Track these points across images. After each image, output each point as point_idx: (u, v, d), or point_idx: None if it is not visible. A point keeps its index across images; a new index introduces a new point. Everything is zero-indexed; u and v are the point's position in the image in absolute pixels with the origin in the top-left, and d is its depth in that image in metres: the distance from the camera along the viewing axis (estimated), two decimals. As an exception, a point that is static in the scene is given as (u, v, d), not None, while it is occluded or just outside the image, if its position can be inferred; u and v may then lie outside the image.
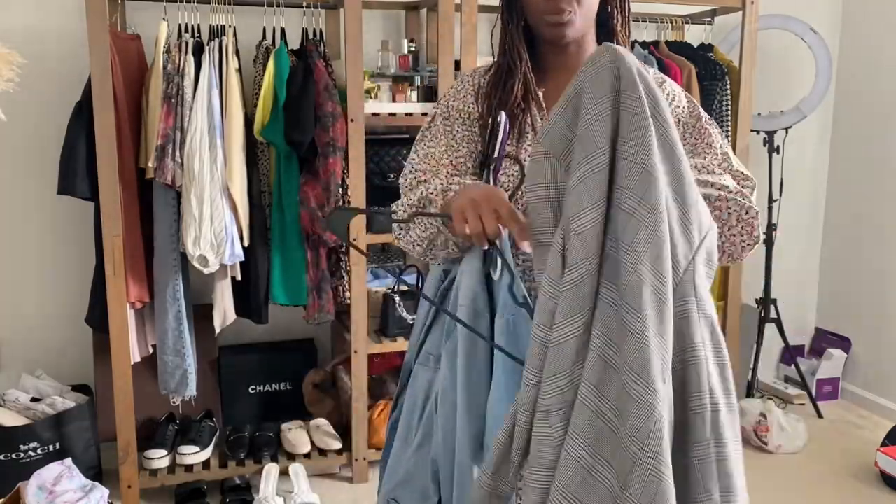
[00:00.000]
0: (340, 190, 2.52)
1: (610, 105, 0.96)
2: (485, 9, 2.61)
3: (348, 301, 2.62)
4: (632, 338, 0.93)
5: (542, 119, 1.27)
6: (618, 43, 1.29)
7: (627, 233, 0.94)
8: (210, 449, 2.64)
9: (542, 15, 1.22)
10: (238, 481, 2.59)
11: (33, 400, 2.54)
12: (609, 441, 0.94)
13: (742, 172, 1.24)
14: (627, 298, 0.93)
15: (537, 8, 1.23)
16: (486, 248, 1.14)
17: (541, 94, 1.29)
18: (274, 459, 2.63)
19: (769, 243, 3.34)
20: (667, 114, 0.98)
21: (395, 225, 1.28)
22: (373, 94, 2.65)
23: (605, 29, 1.31)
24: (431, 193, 1.23)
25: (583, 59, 1.27)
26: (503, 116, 1.24)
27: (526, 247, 1.04)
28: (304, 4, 2.58)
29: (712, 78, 2.90)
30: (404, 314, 2.69)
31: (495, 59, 1.33)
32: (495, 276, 1.17)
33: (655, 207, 0.94)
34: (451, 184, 1.23)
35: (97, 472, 2.59)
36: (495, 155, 1.25)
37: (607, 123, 0.96)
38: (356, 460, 2.69)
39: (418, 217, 1.23)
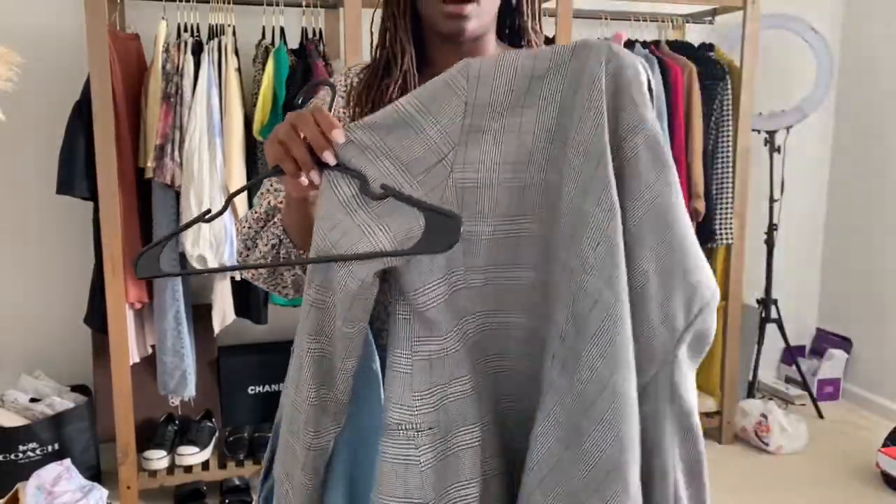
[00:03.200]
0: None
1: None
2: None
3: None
4: (591, 455, 0.80)
5: None
6: (529, 44, 1.14)
7: (588, 327, 0.79)
8: (209, 449, 2.63)
9: (439, 4, 1.04)
10: (237, 482, 2.59)
11: (32, 400, 2.53)
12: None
13: None
14: (591, 412, 0.80)
15: None
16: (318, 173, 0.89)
17: None
18: (273, 460, 2.62)
19: (770, 243, 3.33)
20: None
21: (239, 245, 1.12)
22: (372, 94, 2.64)
23: (511, 27, 1.15)
24: (280, 202, 1.07)
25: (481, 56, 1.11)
26: None
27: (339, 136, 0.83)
28: (304, 4, 2.57)
29: (713, 78, 2.90)
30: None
31: (372, 56, 1.14)
32: None
33: (614, 291, 0.78)
34: None
35: (96, 472, 2.58)
36: None
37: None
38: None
39: (264, 231, 1.08)
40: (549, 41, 2.88)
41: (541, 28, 1.14)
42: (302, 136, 0.86)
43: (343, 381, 0.86)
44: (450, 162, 0.82)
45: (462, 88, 0.82)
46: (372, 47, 1.14)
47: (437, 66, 1.11)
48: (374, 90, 1.10)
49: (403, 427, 0.86)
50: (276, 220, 1.09)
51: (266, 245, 1.08)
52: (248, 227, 1.11)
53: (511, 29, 1.16)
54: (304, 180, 0.87)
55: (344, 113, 1.13)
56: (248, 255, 1.12)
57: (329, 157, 0.83)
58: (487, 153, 0.82)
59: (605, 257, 0.78)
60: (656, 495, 0.85)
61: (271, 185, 1.15)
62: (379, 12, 1.13)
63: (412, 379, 0.85)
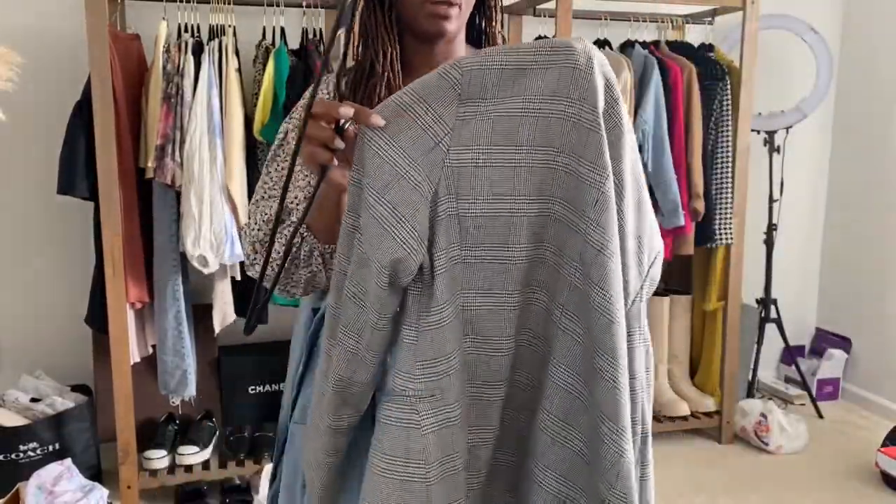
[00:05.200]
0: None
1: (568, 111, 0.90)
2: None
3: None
4: (603, 382, 0.92)
5: None
6: (491, 42, 1.20)
7: (595, 267, 0.90)
8: (210, 449, 2.64)
9: (424, 5, 1.07)
10: (238, 482, 2.59)
11: (33, 400, 2.54)
12: (582, 472, 0.96)
13: None
14: (600, 342, 0.91)
15: None
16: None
17: None
18: (274, 460, 2.63)
19: (769, 243, 3.33)
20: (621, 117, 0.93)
21: (247, 247, 1.12)
22: (373, 94, 2.65)
23: (479, 31, 1.21)
24: (291, 203, 1.09)
25: (452, 58, 1.13)
26: None
27: (378, 120, 0.88)
28: (304, 4, 2.57)
29: (713, 78, 2.90)
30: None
31: (355, 58, 1.17)
32: None
33: (614, 241, 0.91)
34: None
35: (97, 472, 2.59)
36: None
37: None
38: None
39: (277, 232, 1.05)
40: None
41: (503, 25, 1.22)
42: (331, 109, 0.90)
43: (368, 371, 0.94)
44: (446, 145, 0.89)
45: (455, 79, 0.89)
46: (354, 48, 1.17)
47: (413, 67, 1.15)
48: (361, 90, 1.13)
49: (407, 393, 0.92)
50: (294, 219, 1.09)
51: (283, 246, 1.07)
52: (258, 230, 1.11)
53: (477, 32, 1.22)
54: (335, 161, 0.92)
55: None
56: (256, 258, 1.11)
57: (377, 121, 0.88)
58: (480, 136, 0.90)
59: (603, 212, 0.89)
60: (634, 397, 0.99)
61: (270, 191, 1.15)
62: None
63: (416, 349, 0.92)
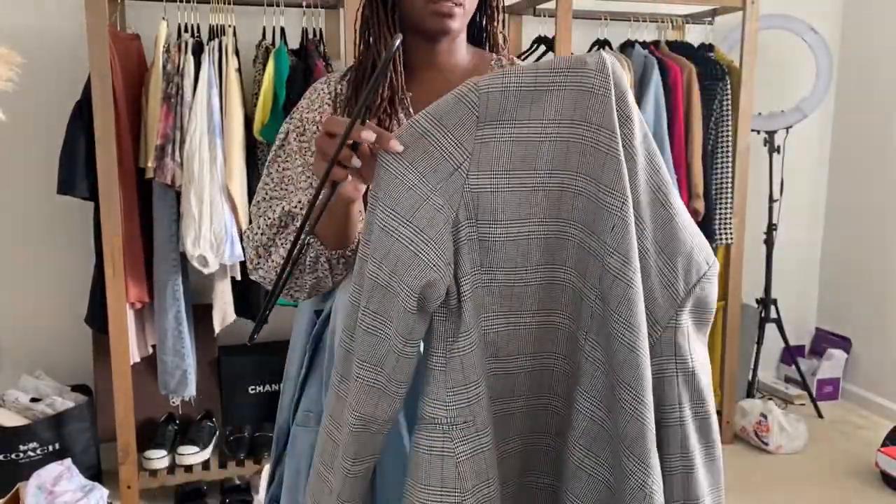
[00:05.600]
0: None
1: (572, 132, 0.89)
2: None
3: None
4: (625, 413, 0.90)
5: None
6: (494, 45, 1.21)
7: (613, 294, 0.89)
8: (210, 449, 2.64)
9: (428, 3, 1.07)
10: (238, 482, 2.59)
11: (33, 400, 2.54)
12: (608, 500, 0.95)
13: None
14: (619, 372, 0.90)
15: None
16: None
17: (408, 97, 1.14)
18: (274, 460, 2.63)
19: (769, 243, 3.33)
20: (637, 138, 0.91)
21: (250, 252, 1.12)
22: (373, 94, 2.64)
23: (480, 29, 1.22)
24: (295, 208, 1.08)
25: (454, 56, 1.16)
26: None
27: (396, 146, 0.88)
28: (304, 4, 2.57)
29: (713, 78, 2.90)
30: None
31: (357, 57, 1.17)
32: None
33: (633, 267, 0.89)
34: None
35: (97, 472, 2.59)
36: None
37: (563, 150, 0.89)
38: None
39: (280, 235, 1.08)
40: (548, 41, 2.89)
41: (505, 26, 1.22)
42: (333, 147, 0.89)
43: (392, 405, 0.92)
44: (465, 170, 0.89)
45: (473, 102, 0.88)
46: (355, 47, 1.16)
47: (416, 66, 1.15)
48: (363, 89, 1.11)
49: (438, 421, 0.91)
50: (298, 225, 1.07)
51: (287, 252, 1.07)
52: (261, 234, 1.10)
53: (479, 31, 1.22)
54: (349, 178, 0.92)
55: None
56: (259, 263, 1.11)
57: (396, 146, 0.87)
58: (500, 160, 0.89)
59: (621, 238, 0.88)
60: (665, 442, 0.95)
61: (272, 192, 1.15)
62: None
63: (445, 375, 0.91)
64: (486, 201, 0.90)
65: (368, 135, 0.87)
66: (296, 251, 1.01)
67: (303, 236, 1.03)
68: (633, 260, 0.88)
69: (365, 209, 1.03)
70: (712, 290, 0.97)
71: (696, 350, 0.97)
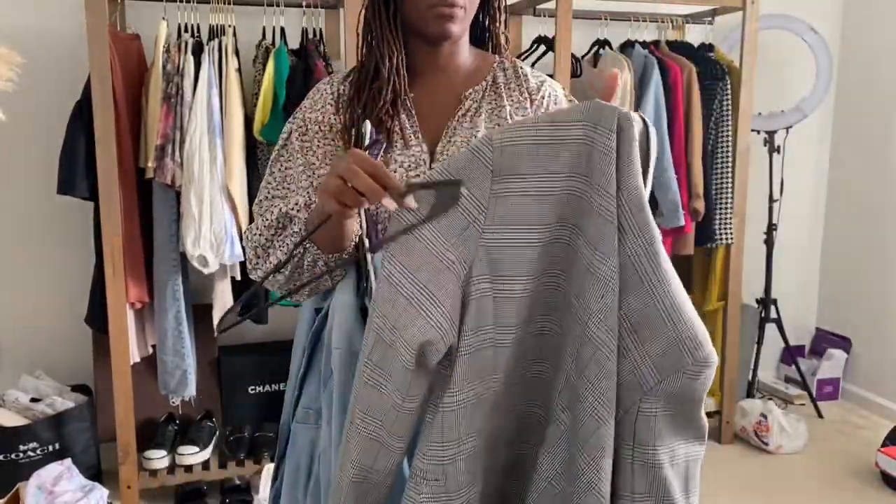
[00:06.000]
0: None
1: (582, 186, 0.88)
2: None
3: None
4: (580, 483, 0.89)
5: (411, 126, 1.12)
6: (497, 46, 1.21)
7: (592, 365, 0.88)
8: (210, 449, 2.64)
9: (430, 7, 1.07)
10: (238, 482, 2.59)
11: (33, 400, 2.54)
12: None
13: None
14: (583, 440, 0.88)
15: None
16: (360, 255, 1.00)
17: (410, 99, 1.13)
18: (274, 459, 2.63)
19: (769, 243, 3.33)
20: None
21: (250, 252, 1.13)
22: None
23: (482, 30, 1.22)
24: (292, 209, 1.09)
25: (456, 58, 1.17)
26: (368, 126, 1.08)
27: (411, 202, 0.89)
28: (304, 4, 2.57)
29: (713, 78, 2.90)
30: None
31: (359, 59, 1.17)
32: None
33: (615, 340, 0.87)
34: (314, 198, 1.06)
35: (97, 472, 2.58)
36: None
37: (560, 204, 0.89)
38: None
39: (278, 238, 1.09)
40: (548, 41, 2.89)
41: (508, 29, 1.23)
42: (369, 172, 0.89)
43: (391, 459, 0.92)
44: (480, 225, 0.89)
45: (487, 158, 0.88)
46: (357, 49, 1.16)
47: (418, 70, 1.15)
48: (364, 93, 1.12)
49: (414, 472, 0.91)
50: (296, 229, 1.09)
51: (284, 253, 1.08)
52: (259, 235, 1.11)
53: (481, 31, 1.22)
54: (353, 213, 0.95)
55: (336, 120, 1.15)
56: (258, 263, 1.12)
57: (411, 203, 0.88)
58: (514, 215, 0.89)
59: (607, 310, 0.86)
60: None
61: (274, 191, 1.16)
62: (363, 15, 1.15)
63: (430, 428, 0.90)
64: (502, 256, 0.89)
65: (389, 203, 0.88)
66: (289, 269, 1.02)
67: (296, 251, 1.04)
68: (615, 333, 0.87)
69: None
70: (695, 387, 0.88)
71: (666, 442, 0.90)
